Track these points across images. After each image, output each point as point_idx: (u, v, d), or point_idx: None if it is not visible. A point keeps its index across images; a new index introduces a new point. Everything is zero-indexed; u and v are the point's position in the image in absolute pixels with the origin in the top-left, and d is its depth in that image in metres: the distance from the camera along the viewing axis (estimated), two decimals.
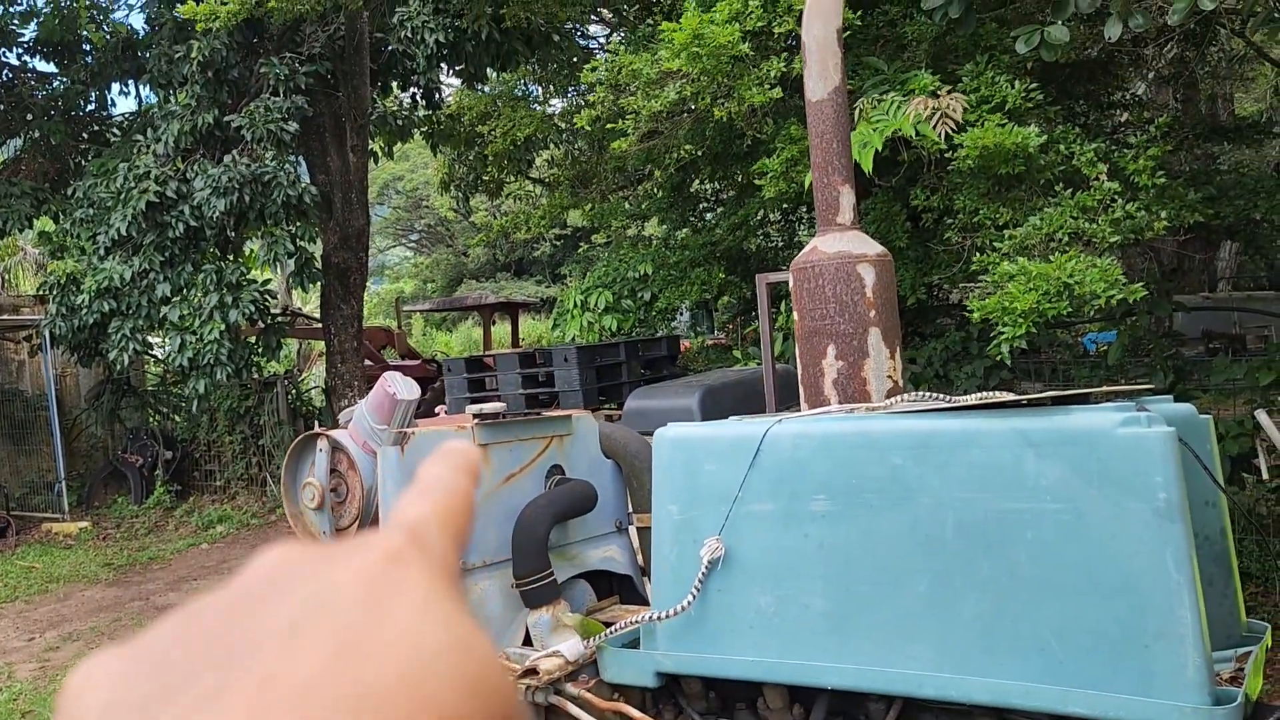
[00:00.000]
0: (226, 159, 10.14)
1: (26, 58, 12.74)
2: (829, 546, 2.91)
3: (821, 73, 3.84)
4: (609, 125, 7.11)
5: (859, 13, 6.12)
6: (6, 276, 19.10)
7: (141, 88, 12.62)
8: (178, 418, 13.91)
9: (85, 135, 13.01)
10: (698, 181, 10.52)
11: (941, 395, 3.12)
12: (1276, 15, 5.13)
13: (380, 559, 0.36)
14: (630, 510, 4.39)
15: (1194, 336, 11.32)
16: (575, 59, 10.85)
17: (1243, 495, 6.00)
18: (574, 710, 3.37)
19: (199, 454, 13.36)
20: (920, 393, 3.36)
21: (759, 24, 5.93)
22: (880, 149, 5.38)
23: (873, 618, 2.85)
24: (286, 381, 12.92)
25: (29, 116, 12.53)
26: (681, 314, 13.80)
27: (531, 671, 3.41)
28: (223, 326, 10.07)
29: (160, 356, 12.21)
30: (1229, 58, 10.48)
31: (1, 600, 9.06)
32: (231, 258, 11.22)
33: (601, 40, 13.42)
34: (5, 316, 13.66)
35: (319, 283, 11.44)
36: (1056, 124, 5.97)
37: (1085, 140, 5.63)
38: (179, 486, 13.08)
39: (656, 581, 3.28)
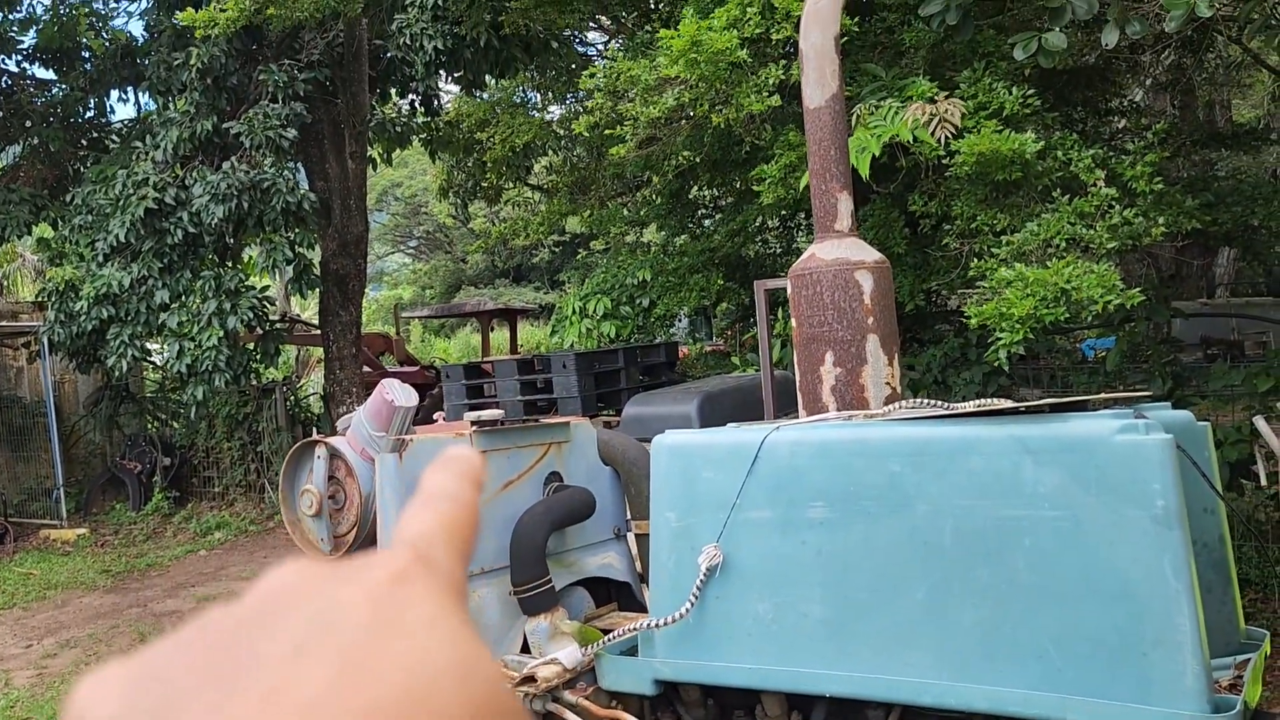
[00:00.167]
0: (225, 166, 10.14)
1: (26, 64, 12.76)
2: (827, 554, 2.91)
3: (819, 79, 3.85)
4: (607, 132, 7.11)
5: (857, 19, 6.13)
6: (5, 283, 19.07)
7: (140, 94, 12.64)
8: (176, 424, 13.89)
9: (84, 142, 13.01)
10: (696, 188, 10.52)
11: (940, 402, 3.13)
12: (1273, 22, 5.14)
13: (387, 578, 0.36)
14: (628, 517, 4.38)
15: (1192, 343, 11.32)
16: (574, 66, 10.85)
17: (1241, 502, 6.00)
18: (572, 718, 3.36)
19: (197, 460, 13.35)
20: (918, 399, 3.37)
21: (757, 31, 5.93)
22: (878, 155, 5.38)
23: (871, 625, 2.85)
24: (285, 388, 12.92)
25: (28, 123, 12.53)
26: (680, 320, 13.80)
27: (529, 679, 3.41)
28: (221, 333, 10.06)
29: (159, 363, 12.20)
30: (1226, 64, 10.51)
31: None
32: (230, 264, 11.22)
33: (600, 47, 13.43)
34: (4, 323, 13.65)
35: (317, 289, 11.44)
36: (1054, 130, 5.97)
37: (1083, 146, 5.63)
38: (177, 493, 13.06)
39: (655, 588, 3.28)
